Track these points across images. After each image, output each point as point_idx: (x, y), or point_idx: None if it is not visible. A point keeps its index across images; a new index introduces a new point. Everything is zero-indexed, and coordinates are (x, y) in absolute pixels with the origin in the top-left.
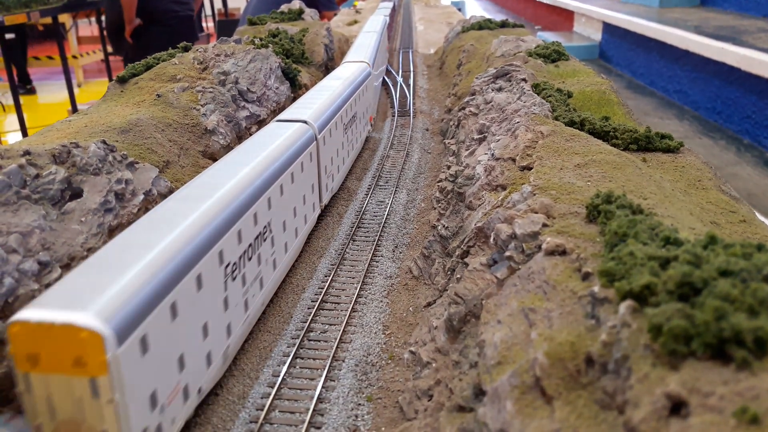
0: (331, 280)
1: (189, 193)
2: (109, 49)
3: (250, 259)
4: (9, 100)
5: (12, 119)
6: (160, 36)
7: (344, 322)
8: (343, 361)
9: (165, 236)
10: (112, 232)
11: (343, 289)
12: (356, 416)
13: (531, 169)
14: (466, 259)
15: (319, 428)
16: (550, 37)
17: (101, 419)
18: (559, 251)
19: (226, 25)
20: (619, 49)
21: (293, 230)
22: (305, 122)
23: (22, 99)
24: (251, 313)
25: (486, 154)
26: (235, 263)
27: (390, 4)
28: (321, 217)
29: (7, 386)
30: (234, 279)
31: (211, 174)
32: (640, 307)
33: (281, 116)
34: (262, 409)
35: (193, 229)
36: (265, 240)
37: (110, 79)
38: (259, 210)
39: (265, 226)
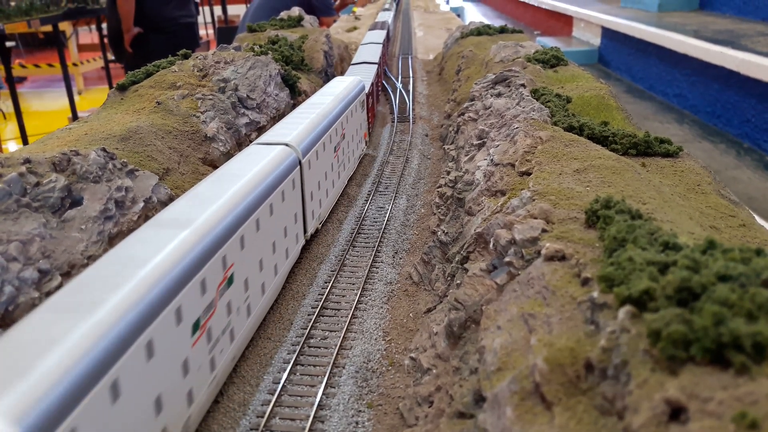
0: (331, 286)
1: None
2: (110, 56)
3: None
4: (10, 108)
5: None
6: (162, 43)
7: (344, 329)
8: (344, 367)
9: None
10: (113, 240)
11: (343, 296)
12: (357, 423)
13: (530, 174)
14: (465, 265)
15: None
16: (549, 42)
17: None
18: (558, 257)
19: (226, 32)
20: (618, 53)
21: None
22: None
23: None
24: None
25: (485, 159)
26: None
27: (383, 33)
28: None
29: None
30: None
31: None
32: (639, 313)
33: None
34: (262, 417)
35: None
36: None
37: (110, 87)
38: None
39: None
